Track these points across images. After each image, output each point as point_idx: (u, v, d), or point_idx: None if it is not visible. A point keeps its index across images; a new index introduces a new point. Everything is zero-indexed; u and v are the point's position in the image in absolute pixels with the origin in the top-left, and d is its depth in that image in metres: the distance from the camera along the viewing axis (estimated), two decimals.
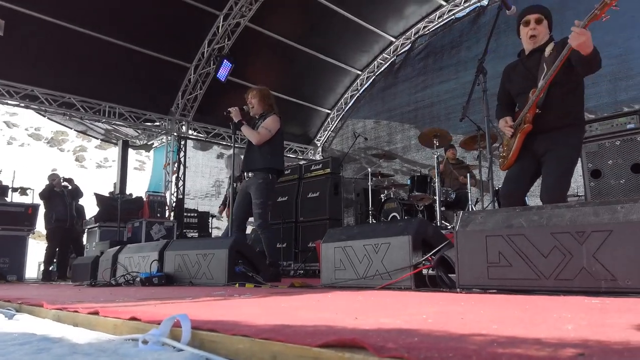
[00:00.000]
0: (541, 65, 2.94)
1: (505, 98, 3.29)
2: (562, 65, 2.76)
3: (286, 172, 7.77)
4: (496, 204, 4.18)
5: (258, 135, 4.48)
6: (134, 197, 8.70)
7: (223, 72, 8.64)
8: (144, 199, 8.32)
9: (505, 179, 3.16)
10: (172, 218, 8.99)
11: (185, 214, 9.42)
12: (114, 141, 10.43)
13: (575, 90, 2.95)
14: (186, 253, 4.01)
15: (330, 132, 11.74)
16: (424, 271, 2.60)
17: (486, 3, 8.63)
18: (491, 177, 3.44)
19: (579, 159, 3.55)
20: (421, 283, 2.59)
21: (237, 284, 3.43)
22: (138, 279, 3.89)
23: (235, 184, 5.22)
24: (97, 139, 11.39)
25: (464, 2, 8.92)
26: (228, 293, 2.62)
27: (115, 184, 9.18)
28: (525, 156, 3.03)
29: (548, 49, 2.93)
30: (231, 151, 5.01)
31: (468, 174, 6.24)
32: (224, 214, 7.59)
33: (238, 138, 5.63)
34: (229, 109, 4.60)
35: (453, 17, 9.24)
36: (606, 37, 6.73)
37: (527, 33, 3.05)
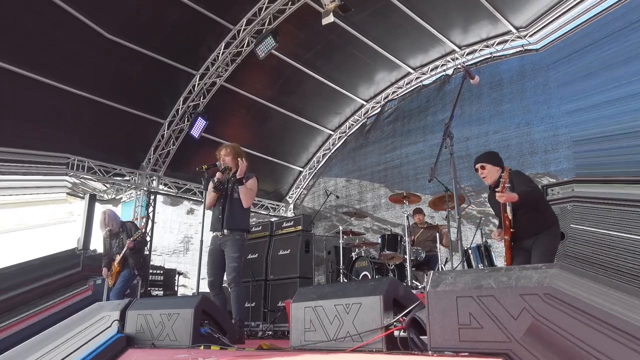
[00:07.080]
0: None
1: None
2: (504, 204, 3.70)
3: (257, 229, 7.68)
4: (465, 264, 4.27)
5: (251, 199, 4.61)
6: (97, 252, 8.36)
7: (197, 129, 8.72)
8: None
9: None
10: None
11: (150, 271, 9.08)
12: (81, 195, 10.17)
13: (535, 208, 3.72)
14: (149, 313, 3.82)
15: (302, 190, 11.81)
16: (396, 333, 2.56)
17: (451, 72, 9.18)
18: (460, 237, 3.51)
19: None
20: (392, 345, 2.53)
21: (202, 346, 3.27)
22: None
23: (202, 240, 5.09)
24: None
25: (431, 70, 9.44)
26: (192, 356, 2.50)
27: (79, 239, 8.82)
28: (519, 252, 3.80)
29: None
30: (201, 207, 4.97)
31: (437, 233, 6.32)
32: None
33: None
34: (216, 178, 4.57)
35: (420, 83, 9.73)
36: (567, 106, 7.19)
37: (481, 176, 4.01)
